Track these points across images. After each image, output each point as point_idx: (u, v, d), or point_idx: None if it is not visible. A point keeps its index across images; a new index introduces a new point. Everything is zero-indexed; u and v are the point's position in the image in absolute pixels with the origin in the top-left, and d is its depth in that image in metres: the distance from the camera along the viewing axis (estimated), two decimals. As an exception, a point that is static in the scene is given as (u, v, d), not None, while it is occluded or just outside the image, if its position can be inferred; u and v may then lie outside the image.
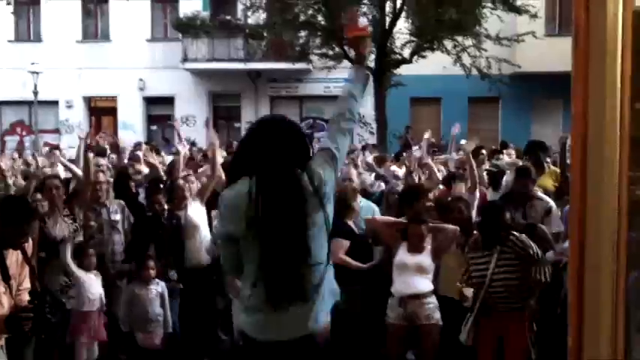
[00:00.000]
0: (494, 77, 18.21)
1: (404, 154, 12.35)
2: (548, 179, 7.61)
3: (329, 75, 20.48)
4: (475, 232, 5.51)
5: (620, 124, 1.50)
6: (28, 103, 22.68)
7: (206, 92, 24.19)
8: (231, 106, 24.64)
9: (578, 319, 1.56)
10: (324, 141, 3.25)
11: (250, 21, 21.10)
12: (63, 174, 7.87)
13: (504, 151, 12.46)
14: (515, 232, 5.08)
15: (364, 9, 18.31)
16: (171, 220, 6.43)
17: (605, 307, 1.53)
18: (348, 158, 8.34)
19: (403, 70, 18.88)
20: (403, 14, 17.78)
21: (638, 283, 1.63)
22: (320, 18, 18.07)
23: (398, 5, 17.88)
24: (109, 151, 10.61)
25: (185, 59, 22.84)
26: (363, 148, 17.17)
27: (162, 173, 7.54)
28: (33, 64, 21.12)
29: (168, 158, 10.75)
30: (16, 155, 13.71)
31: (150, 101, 24.58)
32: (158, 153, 11.39)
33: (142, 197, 7.40)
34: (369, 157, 11.29)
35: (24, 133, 24.54)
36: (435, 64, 19.06)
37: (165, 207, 6.47)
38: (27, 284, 4.00)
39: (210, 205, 6.56)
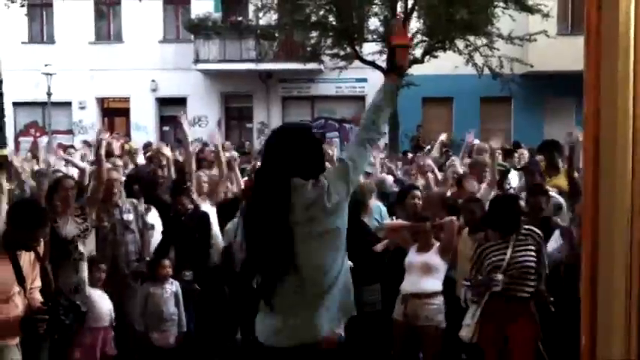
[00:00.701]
0: (506, 77, 18.14)
1: (416, 154, 12.34)
2: (563, 179, 7.54)
3: (340, 75, 20.49)
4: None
5: (633, 123, 1.50)
6: (42, 105, 22.84)
7: (218, 93, 24.26)
8: (243, 107, 24.69)
9: (591, 319, 1.56)
10: (345, 151, 3.31)
11: (262, 22, 21.12)
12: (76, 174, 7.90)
13: (517, 151, 12.39)
14: (533, 227, 5.11)
15: (375, 9, 18.31)
16: (194, 219, 6.44)
17: (618, 306, 1.53)
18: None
19: (415, 70, 18.78)
20: (415, 14, 17.74)
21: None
22: (331, 18, 18.07)
23: (409, 5, 17.84)
24: (118, 153, 10.63)
25: (197, 60, 22.91)
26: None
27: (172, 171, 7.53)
28: (46, 65, 21.28)
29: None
30: (29, 156, 13.77)
31: (162, 102, 24.68)
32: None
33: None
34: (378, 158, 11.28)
35: (38, 134, 24.67)
36: (447, 63, 19.01)
37: (189, 207, 6.48)
38: (38, 282, 4.05)
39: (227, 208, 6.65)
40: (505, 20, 17.41)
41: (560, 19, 21.20)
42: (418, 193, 6.73)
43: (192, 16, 23.11)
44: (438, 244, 5.70)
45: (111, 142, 7.41)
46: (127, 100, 24.59)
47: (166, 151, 7.54)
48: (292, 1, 18.19)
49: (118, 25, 24.54)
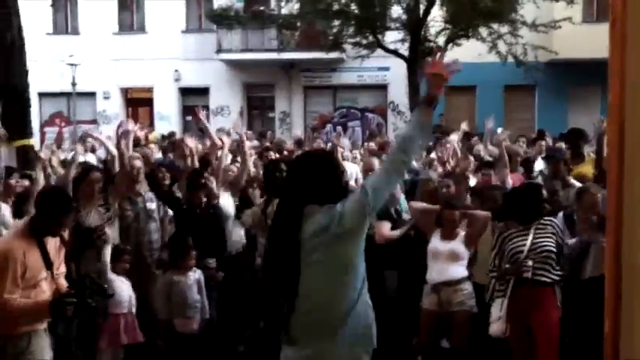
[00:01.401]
0: (530, 64, 17.95)
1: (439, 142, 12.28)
2: (589, 167, 7.51)
3: (362, 64, 20.42)
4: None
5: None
6: (67, 95, 23.07)
7: (240, 83, 24.31)
8: (265, 96, 24.73)
9: (615, 318, 1.55)
10: (368, 178, 3.33)
11: (284, 11, 21.10)
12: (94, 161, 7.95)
13: (539, 140, 12.28)
14: (552, 218, 5.18)
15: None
16: (209, 210, 6.47)
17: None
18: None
19: (438, 58, 18.73)
20: (437, 1, 17.58)
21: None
22: (353, 7, 17.97)
23: (432, -8, 17.71)
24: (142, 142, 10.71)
25: (219, 50, 22.98)
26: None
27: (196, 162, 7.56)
28: (71, 56, 21.47)
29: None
30: (54, 147, 13.94)
31: (185, 92, 24.80)
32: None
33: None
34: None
35: (63, 124, 24.96)
36: (470, 51, 18.78)
37: (204, 199, 6.51)
38: (63, 268, 4.13)
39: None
40: (529, 7, 17.22)
41: (586, 5, 20.91)
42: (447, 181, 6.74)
43: (215, 6, 23.15)
44: (463, 232, 5.70)
45: (135, 132, 7.44)
46: (150, 90, 24.75)
47: (190, 142, 7.57)
48: (314, -10, 18.15)
49: (142, 15, 24.68)
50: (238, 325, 6.66)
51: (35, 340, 3.85)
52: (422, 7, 17.68)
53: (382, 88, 23.88)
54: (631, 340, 1.53)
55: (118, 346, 5.76)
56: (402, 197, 6.83)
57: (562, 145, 9.04)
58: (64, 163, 7.85)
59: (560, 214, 5.75)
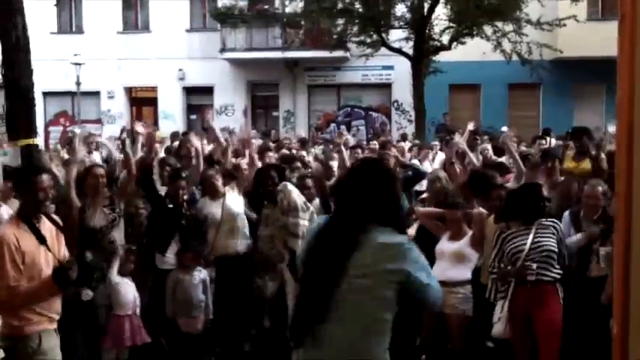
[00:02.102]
0: (535, 63, 17.89)
1: (442, 141, 12.26)
2: (589, 162, 7.59)
3: (366, 63, 20.38)
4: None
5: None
6: (71, 94, 23.09)
7: (244, 81, 24.31)
8: (269, 95, 24.72)
9: (623, 320, 1.54)
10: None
11: (288, 9, 21.11)
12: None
13: (545, 138, 12.27)
14: (554, 219, 5.21)
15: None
16: (191, 211, 6.43)
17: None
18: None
19: (442, 56, 18.70)
20: (442, 0, 17.56)
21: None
22: (357, 5, 17.95)
23: (437, -10, 17.67)
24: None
25: (223, 49, 22.98)
26: (402, 138, 17.11)
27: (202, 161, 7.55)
28: (75, 55, 21.48)
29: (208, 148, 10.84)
30: (58, 146, 13.96)
31: (189, 91, 24.82)
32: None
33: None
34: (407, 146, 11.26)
35: (67, 123, 25.00)
36: (475, 50, 18.81)
37: (185, 197, 6.45)
38: (66, 253, 4.08)
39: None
40: (534, 5, 17.15)
41: (590, 3, 20.83)
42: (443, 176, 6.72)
43: (219, 4, 23.16)
44: (470, 232, 5.68)
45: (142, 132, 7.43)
46: (154, 89, 24.77)
47: (195, 141, 7.58)
48: (318, -12, 18.13)
49: (146, 14, 24.69)
50: (244, 324, 6.65)
51: (46, 340, 3.83)
52: (426, 6, 17.64)
53: (386, 86, 23.85)
54: (640, 341, 1.52)
55: (122, 347, 5.76)
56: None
57: (560, 143, 9.11)
58: (65, 163, 7.85)
59: (566, 212, 5.75)
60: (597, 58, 20.35)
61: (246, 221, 6.65)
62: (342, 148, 7.72)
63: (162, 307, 6.09)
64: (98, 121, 24.59)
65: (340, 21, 18.66)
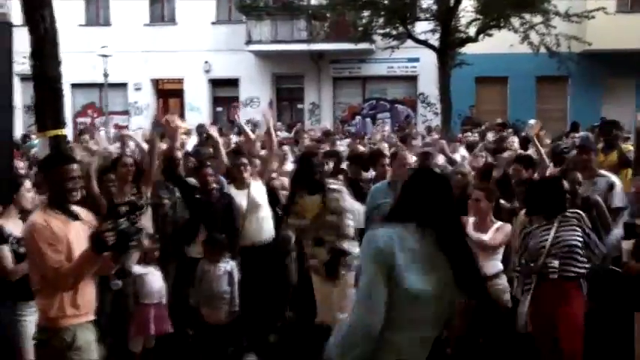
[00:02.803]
0: (563, 55, 17.67)
1: (468, 133, 12.19)
2: (616, 155, 7.53)
3: (392, 55, 20.31)
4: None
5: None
6: (99, 86, 23.32)
7: (269, 74, 24.36)
8: (294, 88, 24.75)
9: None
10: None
11: (313, 2, 21.07)
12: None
13: (571, 134, 12.14)
14: (577, 210, 5.08)
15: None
16: (222, 201, 6.45)
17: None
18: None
19: (468, 48, 18.53)
20: (469, -9, 17.41)
21: None
22: (383, -3, 17.86)
23: (464, -18, 17.51)
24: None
25: (249, 41, 23.04)
26: (427, 130, 17.02)
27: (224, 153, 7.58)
28: (102, 47, 21.68)
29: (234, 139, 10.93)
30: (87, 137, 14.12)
31: (215, 83, 24.94)
32: (222, 134, 11.54)
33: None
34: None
35: (95, 115, 25.29)
36: (502, 42, 18.62)
37: (215, 186, 6.49)
38: None
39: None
40: (562, -4, 16.94)
41: (620, -5, 20.52)
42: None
43: (245, -4, 23.22)
44: (497, 224, 5.63)
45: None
46: (180, 81, 24.93)
47: (215, 134, 7.63)
48: (343, -20, 18.07)
49: (172, 7, 24.84)
50: (269, 315, 6.67)
51: (80, 335, 3.76)
52: (453, -3, 17.50)
53: (412, 79, 23.73)
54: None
55: (148, 335, 5.82)
56: None
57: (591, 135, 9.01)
58: (90, 153, 7.97)
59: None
60: (627, 51, 20.10)
61: (270, 211, 6.68)
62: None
63: (188, 296, 6.15)
64: (125, 113, 24.86)
65: (366, 13, 18.56)
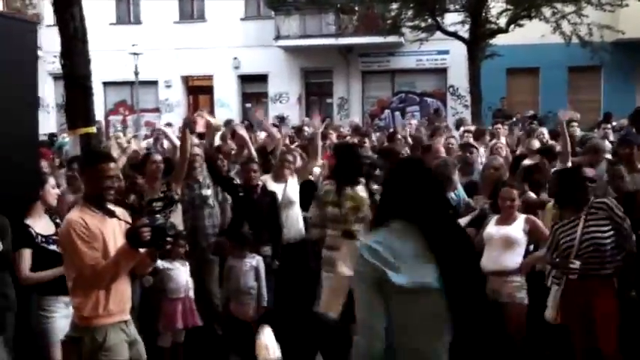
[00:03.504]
0: (596, 45, 17.34)
1: (499, 125, 12.02)
2: None
3: (421, 48, 20.18)
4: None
5: None
6: (130, 84, 23.62)
7: (298, 69, 24.38)
8: (323, 82, 24.73)
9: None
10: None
11: (341, -5, 21.02)
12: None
13: (603, 125, 11.92)
14: (604, 199, 4.95)
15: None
16: (265, 197, 6.49)
17: None
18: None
19: (499, 39, 18.29)
20: (499, -19, 17.19)
21: None
22: (412, -11, 17.73)
23: (494, -28, 17.30)
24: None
25: (278, 36, 23.08)
26: (458, 123, 16.83)
27: (252, 150, 7.61)
28: (133, 45, 21.94)
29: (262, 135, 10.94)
30: (120, 133, 14.30)
31: (244, 79, 25.05)
32: (251, 130, 11.59)
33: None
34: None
35: (126, 112, 25.60)
36: (533, 32, 18.34)
37: (259, 183, 6.55)
38: None
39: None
40: (595, -15, 16.63)
41: (655, -18, 20.07)
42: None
43: (273, -8, 23.25)
44: (522, 216, 5.53)
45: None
46: (210, 78, 25.09)
47: (242, 131, 7.67)
48: (372, -27, 18.00)
49: (201, 4, 25.00)
50: (296, 311, 6.67)
51: (112, 335, 3.76)
52: (482, -12, 17.30)
53: (442, 71, 23.54)
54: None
55: (176, 330, 5.88)
56: (459, 186, 6.63)
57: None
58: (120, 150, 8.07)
59: None
60: (662, 40, 19.67)
61: (299, 209, 6.70)
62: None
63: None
64: (156, 110, 25.11)
65: (394, 6, 18.45)
